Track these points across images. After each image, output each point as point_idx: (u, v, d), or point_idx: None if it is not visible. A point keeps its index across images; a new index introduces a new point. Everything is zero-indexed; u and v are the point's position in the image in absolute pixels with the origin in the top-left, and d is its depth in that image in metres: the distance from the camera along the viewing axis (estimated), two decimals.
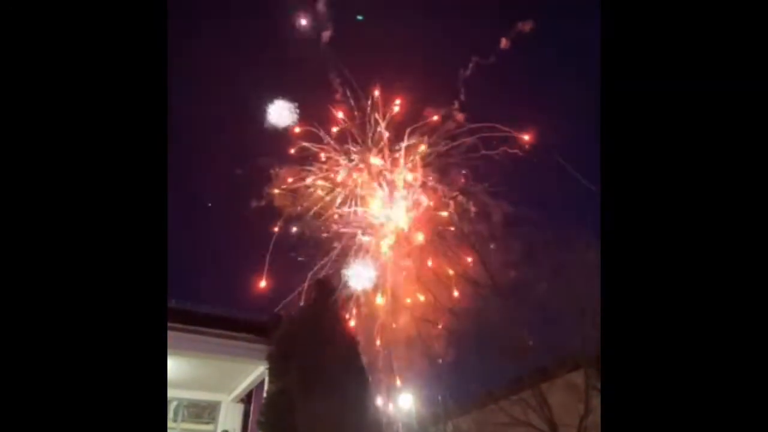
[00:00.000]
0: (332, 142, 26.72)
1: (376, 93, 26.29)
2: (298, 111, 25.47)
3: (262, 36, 27.66)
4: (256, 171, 26.11)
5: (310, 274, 23.75)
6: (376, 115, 26.38)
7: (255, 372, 12.82)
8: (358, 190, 26.62)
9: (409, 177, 26.55)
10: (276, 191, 26.01)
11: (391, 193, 26.61)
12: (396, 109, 26.24)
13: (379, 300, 24.37)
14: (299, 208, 26.08)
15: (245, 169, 26.45)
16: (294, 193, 26.24)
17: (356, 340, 11.45)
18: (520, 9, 25.51)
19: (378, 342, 23.39)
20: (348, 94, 26.23)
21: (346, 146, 26.81)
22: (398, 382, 20.12)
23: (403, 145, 26.22)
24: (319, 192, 26.51)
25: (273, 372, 10.47)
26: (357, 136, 26.71)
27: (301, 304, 20.19)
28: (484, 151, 25.42)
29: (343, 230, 26.16)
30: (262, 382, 12.05)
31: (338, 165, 26.88)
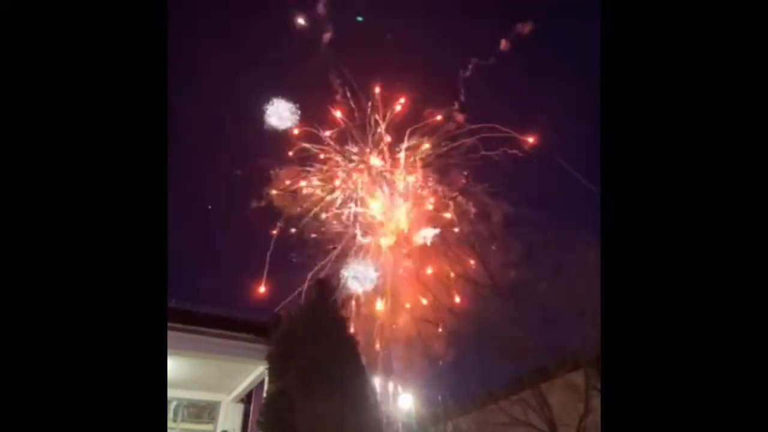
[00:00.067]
0: (332, 142, 26.76)
1: (377, 92, 26.33)
2: (298, 111, 25.53)
3: (262, 36, 27.65)
4: (255, 171, 26.18)
5: (310, 275, 23.80)
6: (376, 116, 26.42)
7: (255, 372, 12.81)
8: (359, 191, 26.64)
9: (410, 178, 26.56)
10: (275, 192, 26.03)
11: (391, 193, 26.62)
12: (398, 108, 26.26)
13: (379, 305, 24.38)
14: (299, 208, 26.11)
15: (245, 170, 26.49)
16: (294, 194, 26.28)
17: (356, 340, 11.45)
18: (520, 9, 25.59)
19: (378, 342, 23.41)
20: (348, 94, 26.28)
21: (346, 147, 26.86)
22: (398, 383, 20.11)
23: (404, 146, 26.26)
24: (319, 192, 26.53)
25: (273, 372, 10.47)
26: (357, 137, 26.76)
27: (301, 304, 20.17)
28: (484, 152, 25.48)
29: (343, 231, 26.18)
30: (262, 382, 12.03)
31: (338, 166, 26.91)
